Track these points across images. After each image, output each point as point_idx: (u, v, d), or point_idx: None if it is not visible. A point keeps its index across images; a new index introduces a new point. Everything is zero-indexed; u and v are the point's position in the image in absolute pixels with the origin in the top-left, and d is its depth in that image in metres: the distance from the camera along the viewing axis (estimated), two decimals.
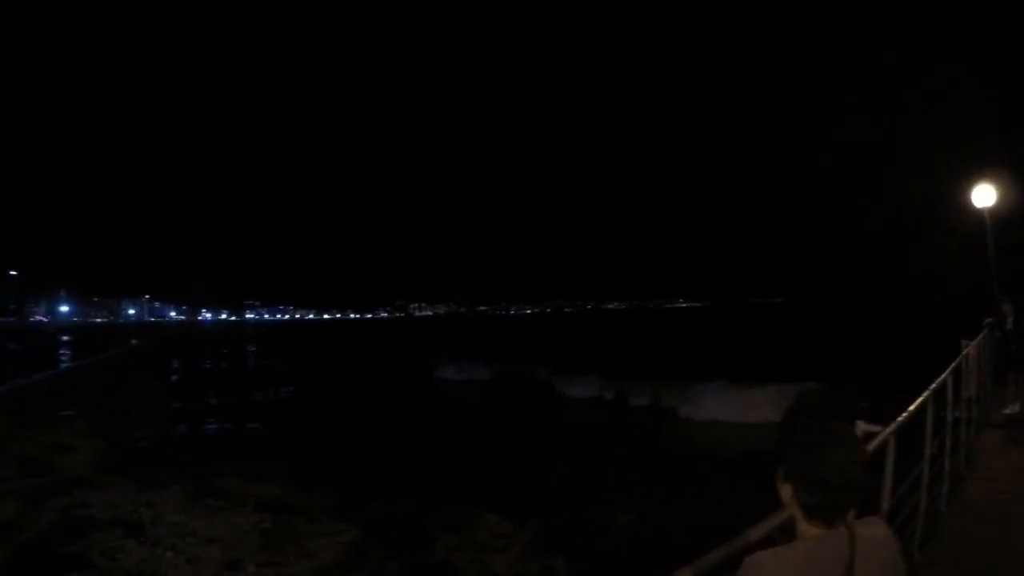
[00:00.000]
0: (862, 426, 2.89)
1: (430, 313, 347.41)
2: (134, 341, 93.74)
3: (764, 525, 2.27)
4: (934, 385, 5.14)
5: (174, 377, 42.38)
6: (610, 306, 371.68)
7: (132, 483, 13.19)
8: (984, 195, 12.35)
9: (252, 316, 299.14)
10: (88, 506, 11.79)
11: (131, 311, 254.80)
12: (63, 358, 58.73)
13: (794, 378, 21.22)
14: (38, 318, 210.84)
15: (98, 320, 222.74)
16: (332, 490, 12.48)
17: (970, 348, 8.23)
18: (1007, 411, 8.85)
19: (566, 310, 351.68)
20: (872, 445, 3.19)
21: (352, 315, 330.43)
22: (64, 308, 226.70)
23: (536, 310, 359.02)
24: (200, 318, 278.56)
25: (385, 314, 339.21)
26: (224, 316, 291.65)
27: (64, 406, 26.14)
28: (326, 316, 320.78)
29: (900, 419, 3.78)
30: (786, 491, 1.84)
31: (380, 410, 25.49)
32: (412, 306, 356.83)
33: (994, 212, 12.38)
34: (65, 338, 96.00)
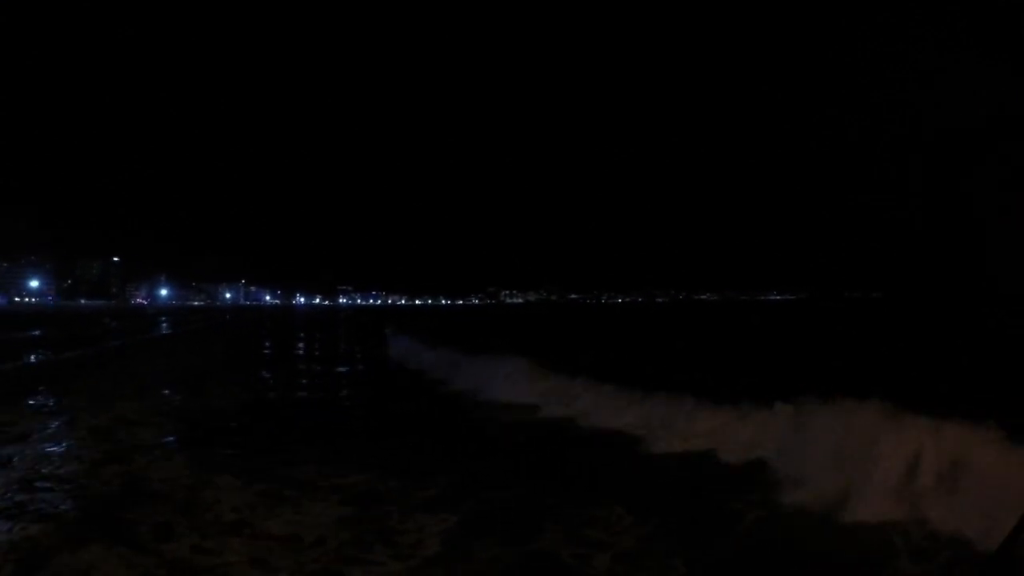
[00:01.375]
0: None
1: (520, 300, 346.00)
2: (227, 316, 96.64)
3: None
4: None
5: (265, 352, 41.58)
6: (703, 296, 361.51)
7: (197, 460, 11.78)
8: None
9: (345, 301, 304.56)
10: (147, 479, 10.56)
11: (228, 295, 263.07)
12: (152, 331, 59.59)
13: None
14: (138, 301, 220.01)
15: (195, 303, 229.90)
16: (431, 478, 10.79)
17: None
18: None
19: (658, 300, 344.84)
20: None
21: (443, 301, 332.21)
22: (163, 292, 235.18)
23: (627, 299, 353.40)
24: (294, 302, 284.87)
25: (476, 301, 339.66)
26: (317, 300, 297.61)
27: (142, 375, 25.59)
28: (417, 302, 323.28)
29: None
30: None
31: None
32: (503, 293, 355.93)
33: None
34: (162, 318, 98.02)
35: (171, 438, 13.95)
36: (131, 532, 8.08)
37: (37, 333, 51.95)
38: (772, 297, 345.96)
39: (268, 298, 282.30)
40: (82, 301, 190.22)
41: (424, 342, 34.66)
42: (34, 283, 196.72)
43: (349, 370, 30.95)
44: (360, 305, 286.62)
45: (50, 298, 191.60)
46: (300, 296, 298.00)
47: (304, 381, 26.27)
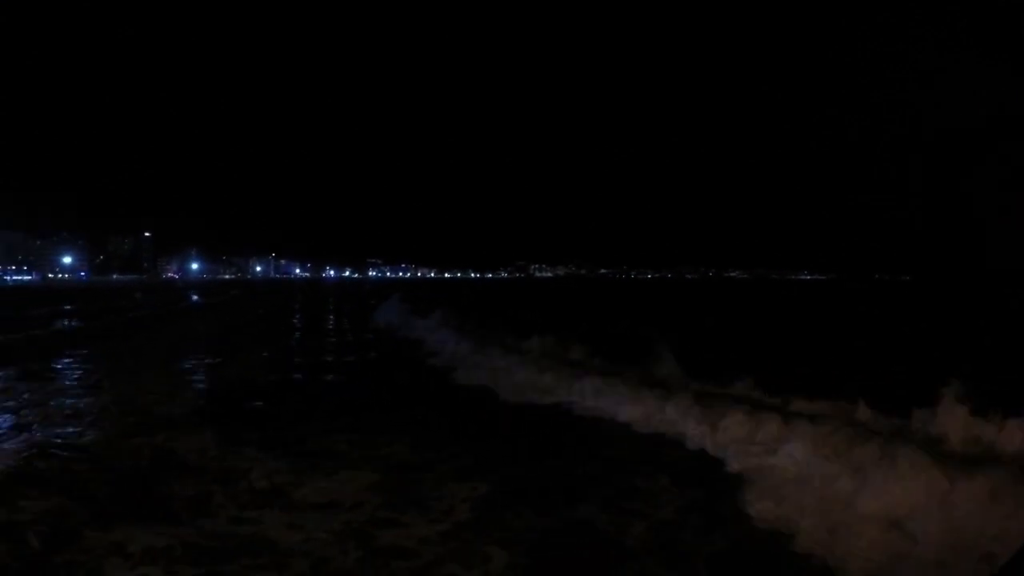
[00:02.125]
0: None
1: (550, 274, 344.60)
2: (258, 289, 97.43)
3: None
4: None
5: (294, 323, 41.75)
6: (732, 274, 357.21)
7: (229, 432, 11.71)
8: None
9: (374, 274, 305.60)
10: (177, 451, 10.52)
11: (258, 268, 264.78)
12: (180, 304, 59.99)
13: None
14: (170, 275, 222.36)
15: (226, 276, 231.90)
16: (458, 449, 10.86)
17: None
18: None
19: (687, 276, 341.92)
20: None
21: (473, 274, 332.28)
22: (194, 266, 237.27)
23: (657, 275, 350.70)
24: (324, 275, 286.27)
25: (505, 274, 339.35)
26: (347, 273, 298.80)
27: (170, 347, 26.24)
28: (447, 275, 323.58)
29: None
30: None
31: None
32: (533, 267, 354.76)
33: None
34: (192, 291, 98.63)
35: (199, 409, 14.04)
36: (167, 504, 8.11)
37: (68, 307, 52.49)
38: (802, 277, 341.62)
39: (298, 271, 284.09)
40: (114, 276, 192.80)
41: (433, 318, 34.33)
42: (67, 259, 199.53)
43: (364, 340, 31.46)
44: (389, 278, 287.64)
45: (83, 274, 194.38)
46: (330, 269, 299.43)
47: (327, 356, 26.18)
